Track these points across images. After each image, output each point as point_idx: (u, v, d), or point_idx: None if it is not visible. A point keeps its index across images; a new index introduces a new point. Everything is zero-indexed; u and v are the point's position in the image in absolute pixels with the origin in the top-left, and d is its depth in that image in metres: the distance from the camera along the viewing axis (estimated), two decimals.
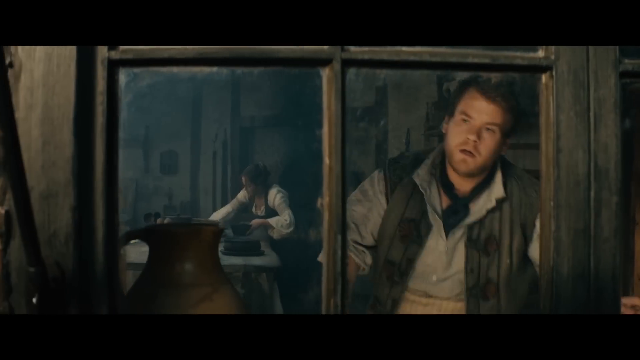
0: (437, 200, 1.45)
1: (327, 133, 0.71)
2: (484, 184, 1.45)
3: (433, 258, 1.44)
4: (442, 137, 3.56)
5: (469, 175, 1.43)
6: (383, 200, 1.50)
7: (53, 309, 0.62)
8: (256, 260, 3.03)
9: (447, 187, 1.46)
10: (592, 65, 0.79)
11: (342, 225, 0.71)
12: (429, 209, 1.44)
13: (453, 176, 1.45)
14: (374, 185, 1.52)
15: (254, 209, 3.99)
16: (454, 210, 1.44)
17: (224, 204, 4.74)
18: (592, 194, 0.78)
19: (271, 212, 3.83)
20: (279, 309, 2.97)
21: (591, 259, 0.78)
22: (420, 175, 1.47)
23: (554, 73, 0.78)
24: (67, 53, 0.65)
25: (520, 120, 1.41)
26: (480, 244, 1.41)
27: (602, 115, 0.79)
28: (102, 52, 0.66)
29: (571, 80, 0.78)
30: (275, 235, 3.73)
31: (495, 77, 1.31)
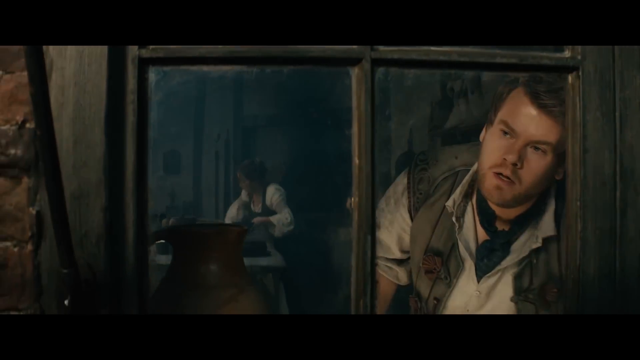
0: (472, 234, 1.14)
1: (356, 133, 0.71)
2: (531, 214, 1.10)
3: (463, 300, 1.17)
4: (445, 137, 3.52)
5: (504, 206, 1.09)
6: (406, 216, 1.23)
7: (84, 311, 0.62)
8: (262, 261, 3.02)
9: (485, 216, 1.12)
10: (618, 65, 0.79)
11: (372, 226, 0.71)
12: (460, 245, 1.15)
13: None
14: (397, 193, 1.26)
15: (252, 206, 3.99)
16: (491, 248, 1.13)
17: (226, 204, 4.74)
18: (618, 194, 0.78)
19: (268, 210, 3.84)
20: (284, 310, 2.97)
21: (617, 258, 0.78)
22: (455, 202, 1.14)
23: (580, 73, 0.78)
24: (98, 51, 0.64)
25: None
26: (534, 294, 1.08)
27: (628, 115, 0.79)
28: (133, 50, 0.66)
29: (597, 80, 0.78)
30: (276, 233, 3.74)
31: (551, 77, 1.00)
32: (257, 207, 3.95)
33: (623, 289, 0.78)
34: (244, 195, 4.04)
